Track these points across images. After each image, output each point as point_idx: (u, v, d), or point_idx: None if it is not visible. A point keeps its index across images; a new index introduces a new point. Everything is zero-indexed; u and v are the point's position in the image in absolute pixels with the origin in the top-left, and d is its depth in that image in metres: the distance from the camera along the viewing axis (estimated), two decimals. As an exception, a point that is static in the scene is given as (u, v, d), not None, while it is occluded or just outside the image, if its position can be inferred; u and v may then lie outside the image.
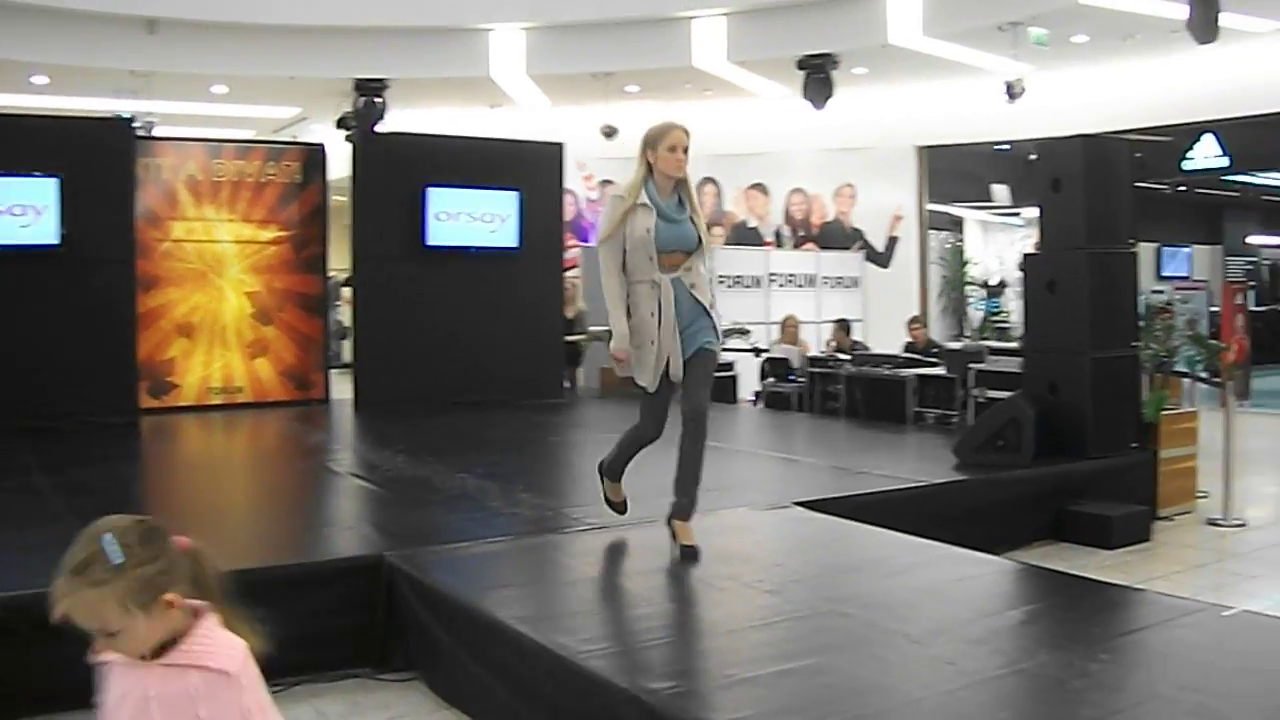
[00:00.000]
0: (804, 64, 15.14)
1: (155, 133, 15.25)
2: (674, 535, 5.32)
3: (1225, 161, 15.68)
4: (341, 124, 16.65)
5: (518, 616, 4.31)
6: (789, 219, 19.14)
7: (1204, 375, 9.19)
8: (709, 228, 19.71)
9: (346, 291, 15.81)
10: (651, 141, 5.24)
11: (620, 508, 5.82)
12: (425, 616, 4.80)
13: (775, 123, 18.00)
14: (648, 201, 5.17)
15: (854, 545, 5.66)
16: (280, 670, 4.61)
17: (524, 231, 12.63)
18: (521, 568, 5.37)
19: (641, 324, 5.19)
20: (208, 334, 12.19)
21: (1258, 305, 21.01)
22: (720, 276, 16.50)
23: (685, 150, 5.23)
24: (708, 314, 5.29)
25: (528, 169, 12.85)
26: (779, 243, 18.98)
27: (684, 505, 5.29)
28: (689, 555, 5.19)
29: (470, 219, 12.40)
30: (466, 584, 4.87)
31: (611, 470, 5.74)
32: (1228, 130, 15.33)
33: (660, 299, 5.17)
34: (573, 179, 16.83)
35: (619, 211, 5.18)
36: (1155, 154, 15.61)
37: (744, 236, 19.06)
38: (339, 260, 14.09)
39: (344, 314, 18.03)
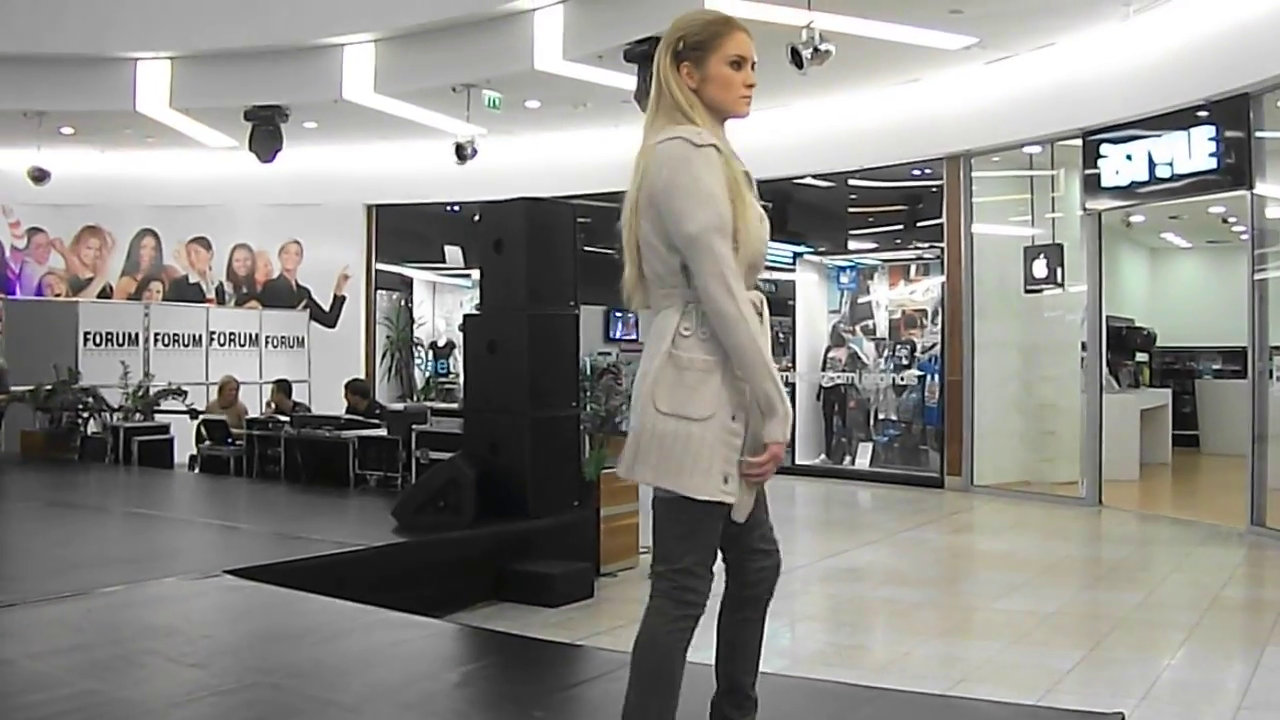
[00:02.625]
0: (251, 115, 14.77)
1: None
2: None
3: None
4: None
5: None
6: (232, 275, 18.58)
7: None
8: (147, 283, 18.94)
9: None
10: (695, 43, 2.85)
11: None
12: None
13: (220, 174, 17.44)
14: (745, 165, 2.86)
15: (287, 613, 5.51)
16: None
17: (-70, 279, 11.49)
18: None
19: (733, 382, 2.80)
20: None
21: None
22: (156, 334, 15.77)
23: (753, 66, 2.92)
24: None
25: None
26: (221, 300, 18.36)
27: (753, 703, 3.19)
28: None
29: None
30: None
31: None
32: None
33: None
34: (-4, 225, 15.60)
35: (719, 171, 2.76)
36: (605, 219, 16.55)
37: (184, 293, 18.26)
38: None
39: None
